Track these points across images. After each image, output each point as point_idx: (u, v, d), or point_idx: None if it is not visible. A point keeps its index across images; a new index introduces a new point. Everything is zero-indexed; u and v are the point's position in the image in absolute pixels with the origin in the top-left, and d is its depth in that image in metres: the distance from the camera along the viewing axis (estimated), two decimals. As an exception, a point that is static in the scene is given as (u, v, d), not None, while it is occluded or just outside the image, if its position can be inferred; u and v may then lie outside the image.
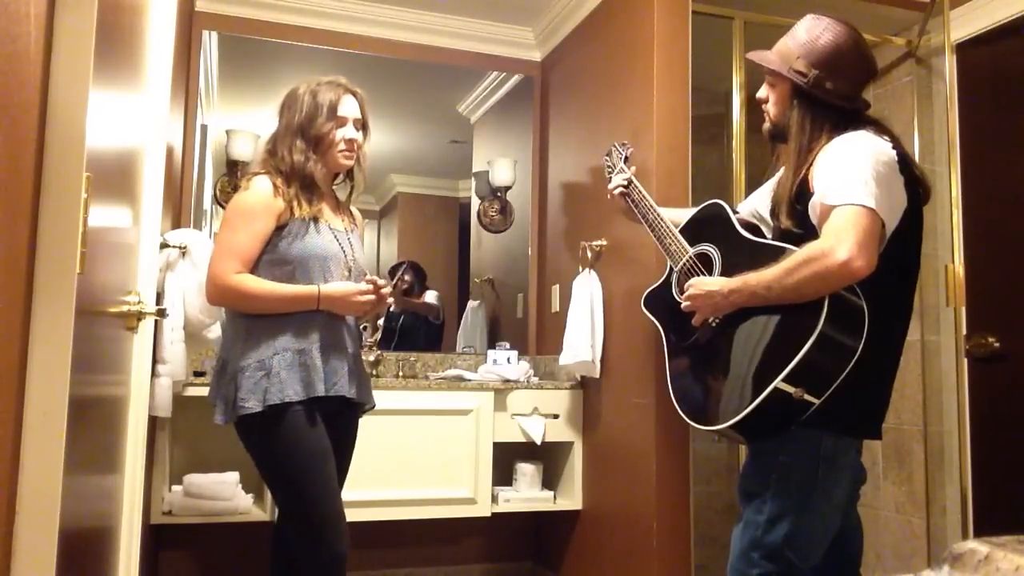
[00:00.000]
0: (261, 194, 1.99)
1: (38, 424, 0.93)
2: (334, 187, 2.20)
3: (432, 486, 2.89)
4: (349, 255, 2.10)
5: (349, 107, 2.09)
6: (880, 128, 1.79)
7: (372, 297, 2.04)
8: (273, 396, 1.90)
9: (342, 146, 2.08)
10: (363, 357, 3.22)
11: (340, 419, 2.07)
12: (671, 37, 2.73)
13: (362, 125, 2.14)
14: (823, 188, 1.67)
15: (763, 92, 1.90)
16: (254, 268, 1.99)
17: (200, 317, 2.46)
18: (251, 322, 1.98)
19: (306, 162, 2.03)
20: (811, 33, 1.80)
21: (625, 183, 2.30)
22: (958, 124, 2.91)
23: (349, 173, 2.17)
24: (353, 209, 2.25)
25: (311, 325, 1.98)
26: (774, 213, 1.85)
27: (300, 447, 1.92)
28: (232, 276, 1.94)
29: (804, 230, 1.73)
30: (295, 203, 2.00)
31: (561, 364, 3.04)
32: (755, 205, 2.01)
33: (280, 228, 2.00)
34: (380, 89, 3.60)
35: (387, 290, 2.09)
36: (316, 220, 2.04)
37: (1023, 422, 2.70)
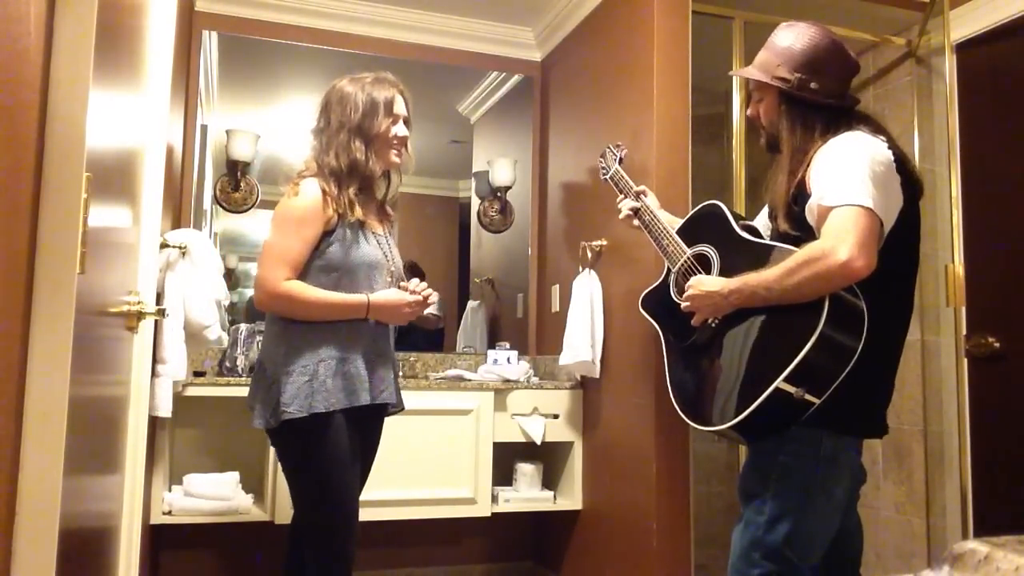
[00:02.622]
0: (312, 199, 1.97)
1: (38, 424, 0.93)
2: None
3: (432, 486, 2.89)
4: (391, 261, 2.11)
5: (402, 105, 2.10)
6: (874, 127, 1.80)
7: (418, 308, 2.06)
8: (319, 404, 1.90)
9: (395, 143, 2.08)
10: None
11: (371, 422, 2.09)
12: (671, 37, 2.73)
13: (408, 122, 2.14)
14: (820, 190, 1.68)
15: (752, 110, 1.93)
16: (301, 274, 1.98)
17: (200, 317, 2.46)
18: (296, 328, 1.97)
19: (366, 162, 2.02)
20: (787, 40, 1.83)
21: (632, 211, 2.28)
22: (958, 124, 2.90)
23: (385, 172, 2.16)
24: (388, 208, 2.24)
25: (357, 334, 1.99)
26: (772, 216, 1.86)
27: (335, 454, 1.94)
28: (283, 283, 1.94)
29: (802, 232, 1.73)
30: (348, 206, 1.99)
31: (561, 364, 3.04)
32: (766, 221, 2.02)
33: (328, 233, 1.99)
34: (380, 89, 3.60)
35: (428, 292, 2.09)
36: (363, 226, 2.03)
37: (1023, 422, 2.70)
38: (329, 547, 1.94)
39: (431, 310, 2.13)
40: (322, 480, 1.95)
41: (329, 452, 1.93)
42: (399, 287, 2.08)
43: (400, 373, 2.21)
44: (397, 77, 2.14)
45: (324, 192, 1.98)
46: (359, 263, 2.00)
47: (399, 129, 2.08)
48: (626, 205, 2.27)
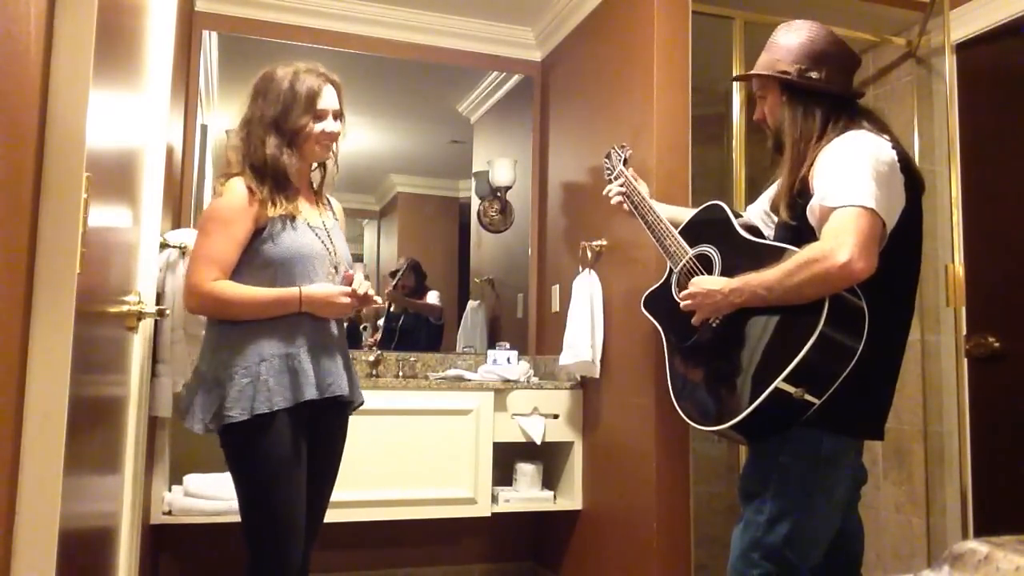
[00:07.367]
0: (238, 197, 1.92)
1: (38, 424, 0.93)
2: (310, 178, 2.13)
3: (432, 486, 2.89)
4: (332, 252, 2.03)
5: (328, 99, 2.01)
6: (879, 125, 1.80)
7: (356, 302, 1.97)
8: (261, 405, 1.84)
9: (323, 139, 2.01)
10: (363, 357, 3.25)
11: (326, 418, 2.01)
12: (671, 37, 2.73)
13: (339, 115, 2.06)
14: (823, 190, 1.68)
15: (757, 112, 1.95)
16: (238, 274, 1.93)
17: (199, 317, 2.45)
18: (234, 329, 1.92)
19: (280, 156, 1.96)
20: (786, 38, 1.87)
21: (621, 187, 2.31)
22: (958, 124, 2.90)
23: (321, 162, 2.11)
24: (332, 200, 2.18)
25: (298, 328, 1.92)
26: (774, 209, 1.87)
27: (277, 455, 1.87)
28: (209, 283, 1.88)
29: (802, 224, 1.74)
30: (270, 202, 1.93)
31: (561, 364, 3.04)
32: (764, 207, 2.02)
33: (260, 230, 1.94)
34: (380, 89, 3.60)
35: (371, 292, 2.01)
36: (293, 218, 1.97)
37: (1023, 422, 2.70)
38: (272, 550, 1.88)
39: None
40: (261, 483, 1.89)
41: (269, 453, 1.87)
42: (345, 277, 2.00)
43: (352, 365, 2.09)
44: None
45: (251, 189, 1.93)
46: (293, 256, 1.94)
47: (325, 125, 2.00)
48: (617, 185, 2.33)
